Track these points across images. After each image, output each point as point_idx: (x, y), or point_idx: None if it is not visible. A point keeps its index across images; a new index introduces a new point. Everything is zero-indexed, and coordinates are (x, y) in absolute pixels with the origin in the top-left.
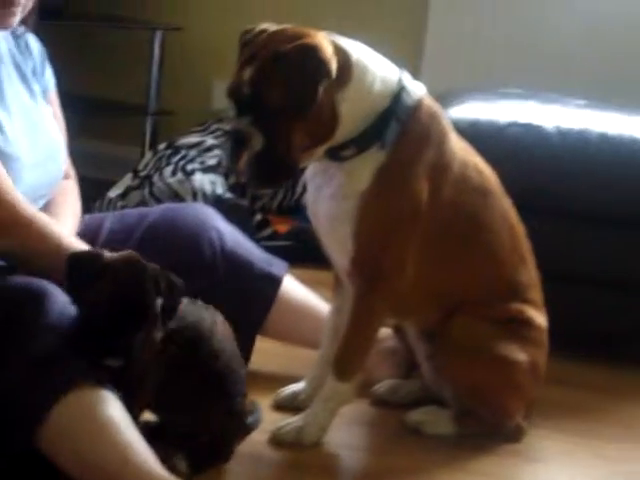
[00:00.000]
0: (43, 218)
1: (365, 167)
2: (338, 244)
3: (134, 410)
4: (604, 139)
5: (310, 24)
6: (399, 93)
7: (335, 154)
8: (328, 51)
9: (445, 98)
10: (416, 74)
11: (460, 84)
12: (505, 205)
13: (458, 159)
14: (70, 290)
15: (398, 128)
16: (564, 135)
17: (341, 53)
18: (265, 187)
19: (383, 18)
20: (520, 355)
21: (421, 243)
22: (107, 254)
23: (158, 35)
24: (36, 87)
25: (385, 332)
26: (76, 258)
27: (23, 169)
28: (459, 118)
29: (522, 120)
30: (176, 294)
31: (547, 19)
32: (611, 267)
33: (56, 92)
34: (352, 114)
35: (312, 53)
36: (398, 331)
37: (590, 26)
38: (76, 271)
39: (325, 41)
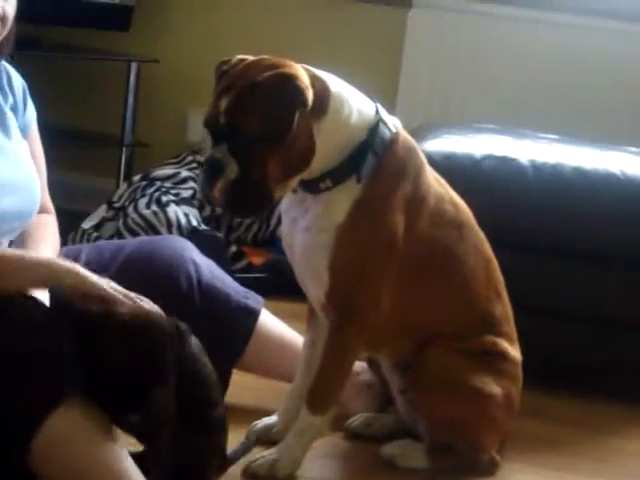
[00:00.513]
0: None
1: (341, 200)
2: (313, 277)
3: (157, 459)
4: (578, 173)
5: (286, 58)
6: (376, 126)
7: (311, 186)
8: (305, 81)
9: (420, 132)
10: (391, 110)
11: (434, 120)
12: (479, 238)
13: (433, 193)
14: (81, 349)
15: (374, 161)
16: (538, 169)
17: (319, 84)
18: (239, 216)
19: (358, 54)
20: (494, 388)
21: (396, 276)
22: (119, 307)
23: (134, 67)
24: (12, 122)
25: (359, 365)
26: (86, 320)
27: None
28: (434, 151)
29: (497, 153)
30: (186, 342)
31: (518, 55)
32: (584, 301)
33: (36, 130)
34: (328, 146)
35: (288, 82)
36: (372, 364)
37: (558, 61)
38: (90, 333)
39: (302, 71)
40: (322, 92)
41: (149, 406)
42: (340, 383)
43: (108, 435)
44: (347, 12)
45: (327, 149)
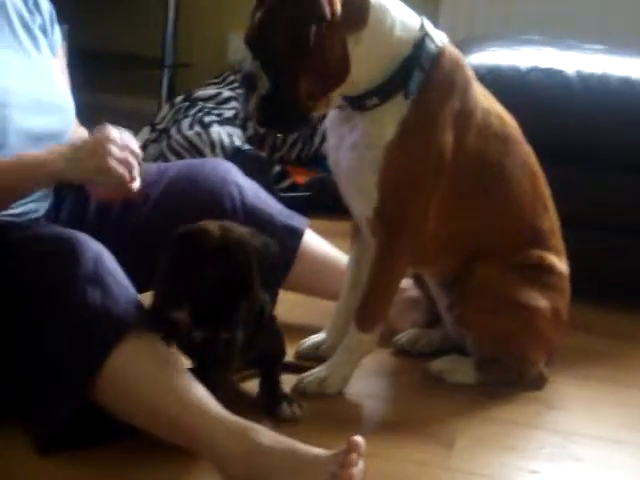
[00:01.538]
0: None
1: (390, 117)
2: (360, 194)
3: (225, 377)
4: (625, 83)
5: None
6: (422, 40)
7: (358, 103)
8: None
9: (464, 45)
10: (434, 24)
11: (478, 33)
12: (526, 152)
13: (480, 106)
14: (177, 264)
15: (422, 77)
16: (585, 80)
17: None
18: (274, 131)
19: None
20: (541, 302)
21: (444, 191)
22: (213, 229)
23: None
24: (43, 43)
25: (406, 282)
26: (187, 235)
27: (12, 111)
28: (479, 64)
29: (543, 65)
30: (274, 268)
31: None
32: (634, 213)
33: (64, 54)
34: (370, 60)
35: None
36: (419, 281)
37: None
38: (187, 247)
39: None
40: (360, 4)
41: (235, 326)
42: (388, 300)
43: (175, 366)
44: None
45: (369, 63)
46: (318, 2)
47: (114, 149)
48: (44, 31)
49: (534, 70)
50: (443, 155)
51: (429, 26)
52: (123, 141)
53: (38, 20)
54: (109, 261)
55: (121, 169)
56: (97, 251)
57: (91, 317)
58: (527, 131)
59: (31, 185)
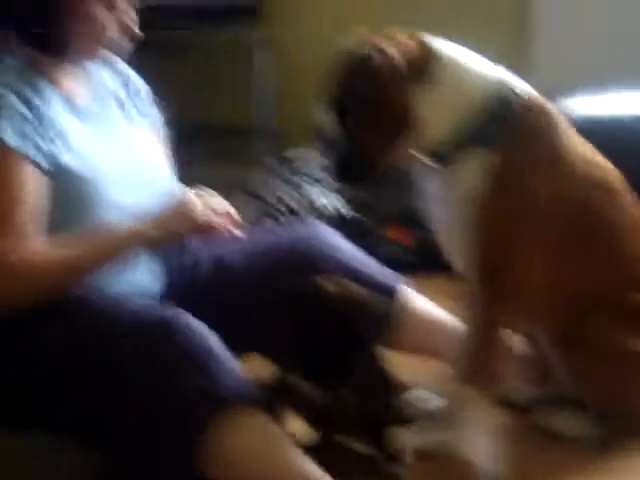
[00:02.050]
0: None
1: (475, 169)
2: (457, 249)
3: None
4: None
5: (412, 27)
6: (499, 91)
7: (440, 157)
8: (388, 51)
9: (559, 94)
10: (526, 72)
11: (572, 79)
12: (627, 200)
13: (576, 155)
14: (294, 326)
15: (501, 126)
16: None
17: (423, 50)
18: (349, 184)
19: (487, 18)
20: None
21: (543, 243)
22: (328, 286)
23: (265, 54)
24: (141, 121)
25: (519, 339)
26: (303, 293)
27: (107, 186)
28: (575, 113)
29: None
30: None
31: None
32: None
33: (163, 131)
34: (441, 112)
35: (363, 51)
36: (530, 336)
37: None
38: (303, 306)
39: (392, 39)
40: (426, 57)
41: (356, 376)
42: (489, 352)
43: (282, 437)
44: None
45: (441, 116)
46: (375, 63)
47: (200, 208)
48: (140, 109)
49: (631, 117)
50: (536, 204)
51: (508, 76)
52: (207, 201)
53: (137, 102)
54: (210, 340)
55: (215, 218)
56: (200, 330)
57: (192, 396)
58: (629, 180)
59: (123, 255)
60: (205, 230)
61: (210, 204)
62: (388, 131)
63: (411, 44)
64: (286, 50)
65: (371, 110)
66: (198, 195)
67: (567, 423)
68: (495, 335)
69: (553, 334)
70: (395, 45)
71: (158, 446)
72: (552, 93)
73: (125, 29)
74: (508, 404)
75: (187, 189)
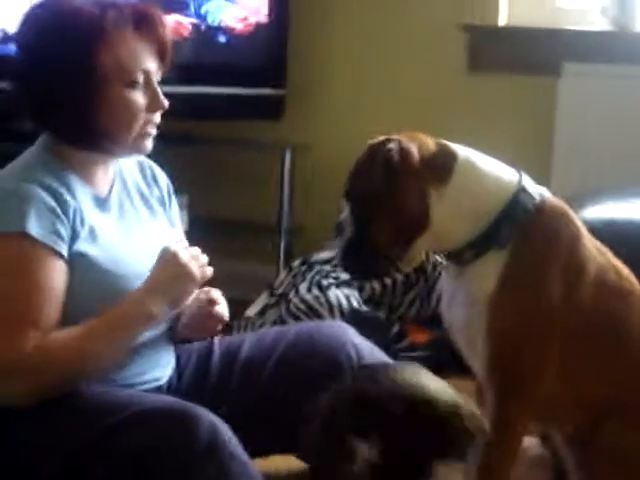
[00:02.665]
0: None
1: (489, 270)
2: (473, 351)
3: None
4: None
5: (436, 136)
6: (516, 195)
7: (456, 258)
8: (402, 144)
9: (577, 199)
10: (546, 180)
11: (590, 186)
12: None
13: (594, 261)
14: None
15: (516, 229)
16: None
17: (443, 152)
18: (356, 276)
19: (509, 125)
20: None
21: (561, 348)
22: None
23: (288, 154)
24: (160, 214)
25: (530, 439)
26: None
27: (128, 280)
28: (594, 218)
29: None
30: None
31: None
32: None
33: (181, 224)
34: (457, 215)
35: (379, 144)
36: (545, 439)
37: None
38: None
39: (414, 139)
40: (445, 160)
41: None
42: (509, 459)
43: None
44: (496, 84)
45: (458, 219)
46: (386, 149)
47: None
48: (162, 203)
49: None
50: (551, 306)
51: (527, 181)
52: (191, 252)
53: (156, 193)
54: (224, 433)
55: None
56: (212, 424)
57: None
58: None
59: (135, 331)
60: (202, 281)
61: (194, 254)
62: (405, 230)
63: (432, 145)
64: (316, 149)
65: (383, 202)
66: (182, 248)
67: None
68: (518, 440)
69: (568, 436)
70: (417, 144)
71: None
72: (571, 200)
73: (147, 130)
74: None
75: (171, 245)
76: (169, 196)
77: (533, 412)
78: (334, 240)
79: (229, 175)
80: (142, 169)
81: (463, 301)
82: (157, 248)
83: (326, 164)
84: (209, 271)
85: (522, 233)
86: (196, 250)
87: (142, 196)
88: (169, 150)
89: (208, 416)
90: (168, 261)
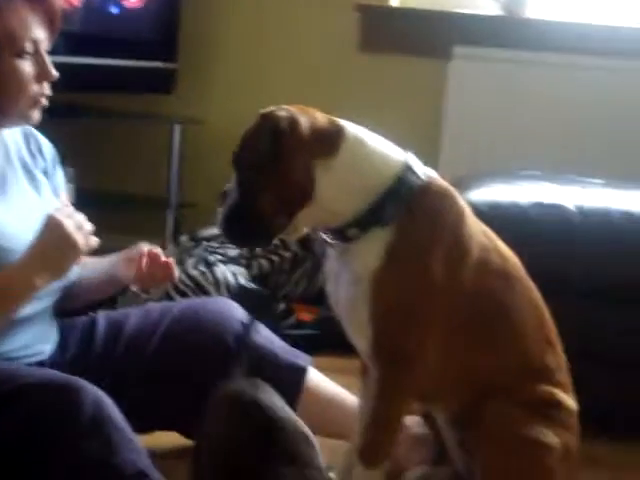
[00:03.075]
0: None
1: (372, 247)
2: (357, 329)
3: None
4: (627, 218)
5: (327, 112)
6: (402, 174)
7: (340, 235)
8: (294, 113)
9: (464, 182)
10: (434, 161)
11: (478, 169)
12: (528, 288)
13: (477, 243)
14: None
15: (401, 207)
16: (586, 215)
17: (332, 127)
18: (236, 243)
19: (399, 106)
20: (553, 440)
21: (443, 328)
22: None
23: (177, 129)
24: (45, 187)
25: (412, 418)
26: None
27: (14, 255)
28: (479, 200)
29: (544, 201)
30: None
31: (561, 101)
32: (635, 346)
33: (67, 195)
34: (342, 190)
35: (268, 114)
36: (427, 417)
37: (600, 104)
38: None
39: (304, 111)
40: (333, 134)
41: None
42: (391, 435)
43: None
44: (387, 65)
45: (343, 193)
46: (277, 115)
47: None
48: (46, 173)
49: (535, 206)
50: (433, 285)
51: (413, 161)
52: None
53: (41, 164)
54: (108, 407)
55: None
56: (95, 397)
57: (89, 468)
58: (529, 266)
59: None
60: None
61: (79, 223)
62: (289, 201)
63: (322, 119)
64: (208, 124)
65: (269, 171)
66: (65, 214)
67: None
68: (400, 416)
69: (451, 415)
70: (307, 116)
71: None
72: (458, 182)
73: (36, 100)
74: None
75: (55, 213)
76: (54, 166)
77: (417, 390)
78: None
79: (119, 148)
80: (27, 139)
81: (348, 279)
82: (39, 222)
83: (218, 139)
84: (94, 240)
85: (406, 212)
86: (81, 218)
87: (25, 167)
88: (56, 121)
89: (92, 389)
90: (52, 230)
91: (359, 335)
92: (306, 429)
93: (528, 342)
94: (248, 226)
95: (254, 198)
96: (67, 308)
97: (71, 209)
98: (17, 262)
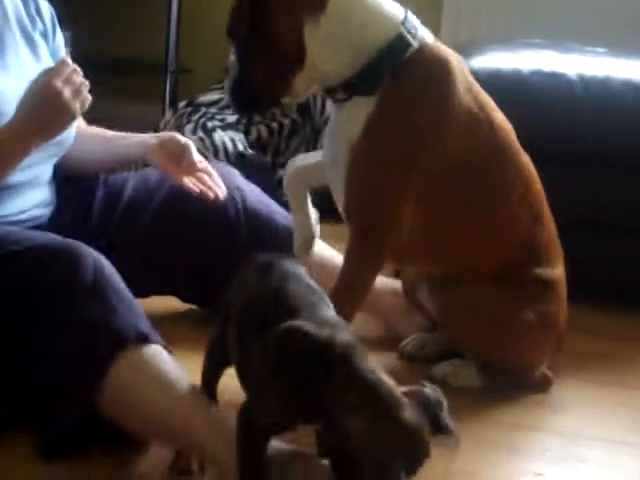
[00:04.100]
0: None
1: (357, 114)
2: (335, 190)
3: None
4: (628, 86)
5: None
6: (395, 39)
7: (331, 95)
8: None
9: (466, 49)
10: (436, 26)
11: (480, 35)
12: (519, 163)
13: (467, 112)
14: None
15: (389, 75)
16: (587, 83)
17: None
18: (242, 112)
19: None
20: (530, 314)
21: (421, 198)
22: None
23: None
24: (43, 50)
25: (397, 284)
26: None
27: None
28: (480, 68)
29: (545, 69)
30: None
31: None
32: (636, 214)
33: (65, 54)
34: (332, 49)
35: None
36: (409, 288)
37: None
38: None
39: None
40: None
41: None
42: (356, 296)
43: (178, 377)
44: None
45: (333, 53)
46: None
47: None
48: (45, 36)
49: (536, 73)
50: (412, 158)
51: (411, 23)
52: (71, 79)
53: (39, 25)
54: (108, 271)
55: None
56: (95, 261)
57: (90, 330)
58: (529, 134)
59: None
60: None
61: (76, 85)
62: (283, 64)
63: None
64: None
65: (262, 37)
66: (64, 78)
67: (453, 371)
68: (367, 282)
69: (429, 281)
70: None
71: (58, 378)
72: (459, 49)
73: None
74: (402, 352)
75: (48, 73)
76: (53, 27)
77: (386, 256)
78: (221, 84)
79: (116, 12)
80: (25, 1)
81: (332, 138)
82: None
83: (215, 6)
84: (87, 101)
85: (392, 81)
86: (79, 80)
87: (24, 31)
88: None
89: (92, 253)
90: (41, 95)
91: (336, 196)
92: None
93: (511, 220)
94: (250, 96)
95: (251, 68)
96: (67, 174)
97: (69, 69)
98: (9, 124)
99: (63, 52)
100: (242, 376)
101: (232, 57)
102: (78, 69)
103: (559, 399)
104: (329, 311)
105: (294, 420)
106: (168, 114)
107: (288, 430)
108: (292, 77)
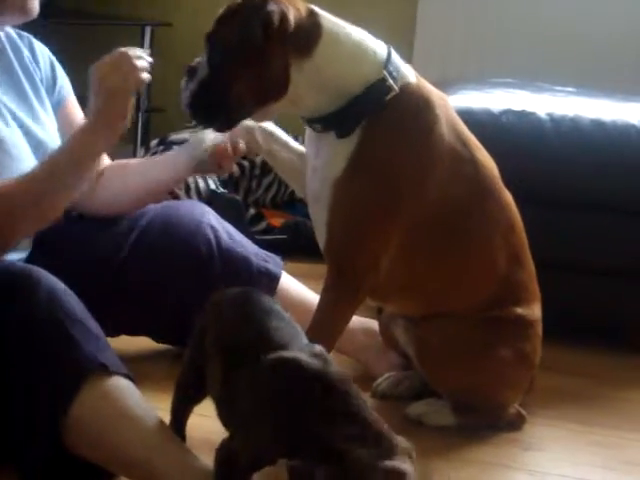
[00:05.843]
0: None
1: (339, 152)
2: (317, 228)
3: None
4: (597, 125)
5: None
6: (379, 81)
7: (310, 125)
8: (283, 5)
9: (436, 87)
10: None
11: (451, 74)
12: (502, 203)
13: (448, 153)
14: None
15: (370, 117)
16: (557, 122)
17: (311, 23)
18: (197, 119)
19: (373, 8)
20: (506, 351)
21: (402, 240)
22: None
23: (147, 31)
24: (47, 102)
25: (374, 324)
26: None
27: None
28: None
29: (515, 108)
30: None
31: (535, 6)
32: (603, 254)
33: (73, 98)
34: (313, 89)
35: (268, 4)
36: (386, 331)
37: (574, 12)
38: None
39: (292, 3)
40: (311, 31)
41: None
42: (329, 337)
43: (141, 408)
44: None
45: (315, 92)
46: (268, 7)
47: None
48: (44, 83)
49: (506, 112)
50: (395, 199)
51: (394, 64)
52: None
53: (39, 74)
54: (65, 297)
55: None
56: (50, 287)
57: (51, 363)
58: (500, 173)
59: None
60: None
61: (119, 63)
62: (261, 92)
63: (303, 12)
64: (178, 28)
65: (248, 60)
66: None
67: (428, 410)
68: (342, 323)
69: (405, 318)
70: (292, 9)
71: (25, 409)
72: (434, 85)
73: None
74: (376, 391)
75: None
76: (52, 70)
77: (362, 296)
78: (193, 123)
79: (86, 51)
80: (23, 45)
81: (316, 170)
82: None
83: (187, 43)
84: (145, 75)
85: (372, 123)
86: (125, 57)
87: (26, 72)
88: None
89: (50, 279)
90: (93, 84)
91: (317, 233)
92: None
93: (490, 262)
94: (214, 107)
95: (226, 85)
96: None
97: (116, 55)
98: (81, 130)
99: (70, 96)
100: (223, 411)
101: (199, 59)
102: (132, 53)
103: (532, 438)
104: (312, 346)
105: (285, 452)
106: (140, 152)
107: (271, 464)
108: (272, 102)
